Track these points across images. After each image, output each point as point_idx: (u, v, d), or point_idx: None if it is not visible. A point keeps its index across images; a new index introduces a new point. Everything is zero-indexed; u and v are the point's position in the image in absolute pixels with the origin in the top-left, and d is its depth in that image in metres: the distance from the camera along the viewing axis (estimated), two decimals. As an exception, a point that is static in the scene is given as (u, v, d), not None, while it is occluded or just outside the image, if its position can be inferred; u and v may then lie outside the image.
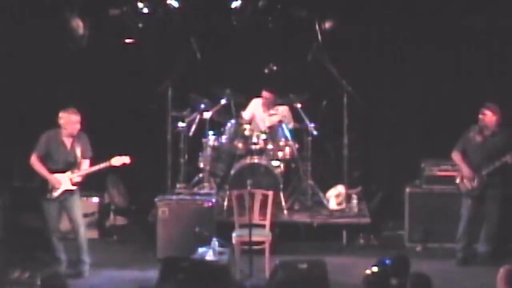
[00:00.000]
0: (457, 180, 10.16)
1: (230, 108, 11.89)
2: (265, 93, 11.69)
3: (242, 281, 9.36)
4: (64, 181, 9.58)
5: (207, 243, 9.73)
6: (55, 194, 9.58)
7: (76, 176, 9.61)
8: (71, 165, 9.62)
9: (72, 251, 9.78)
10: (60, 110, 10.94)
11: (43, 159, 9.62)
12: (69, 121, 9.56)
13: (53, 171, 9.58)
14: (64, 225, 9.98)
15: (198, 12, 11.83)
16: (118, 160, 9.68)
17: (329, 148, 12.11)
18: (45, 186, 9.59)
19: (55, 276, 7.10)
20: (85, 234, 9.81)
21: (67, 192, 9.61)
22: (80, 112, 9.67)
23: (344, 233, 10.94)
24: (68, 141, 9.62)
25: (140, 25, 11.76)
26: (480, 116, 9.96)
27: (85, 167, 9.70)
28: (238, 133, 11.39)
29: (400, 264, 7.21)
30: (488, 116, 9.93)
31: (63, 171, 9.59)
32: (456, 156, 10.16)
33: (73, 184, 9.62)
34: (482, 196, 10.02)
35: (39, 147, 9.65)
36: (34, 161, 9.62)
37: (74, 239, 9.75)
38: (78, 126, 9.59)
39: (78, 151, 9.62)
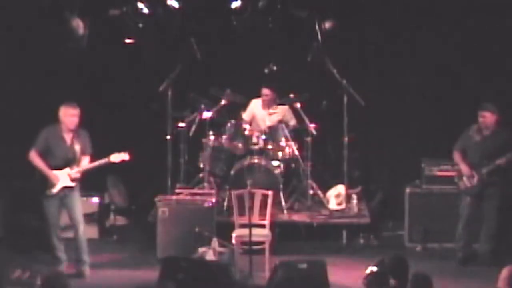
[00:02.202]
0: (456, 179, 10.16)
1: (230, 108, 11.89)
2: (265, 90, 11.70)
3: (242, 281, 9.35)
4: (62, 178, 9.57)
5: (207, 243, 9.74)
6: (54, 190, 9.57)
7: (75, 172, 9.61)
8: (71, 161, 9.61)
9: (72, 250, 9.77)
10: (59, 109, 10.95)
11: (43, 155, 9.61)
12: (67, 114, 9.56)
13: (52, 167, 9.57)
14: (63, 220, 9.95)
15: (198, 12, 11.83)
16: (117, 157, 9.69)
17: (329, 148, 12.11)
18: (44, 183, 9.58)
19: (56, 276, 7.08)
20: (85, 233, 9.81)
21: (67, 188, 9.61)
22: (80, 112, 9.66)
23: (344, 233, 10.94)
24: (68, 137, 9.63)
25: (140, 25, 11.76)
26: (480, 119, 9.97)
27: (85, 163, 9.70)
28: (238, 133, 11.39)
29: (398, 265, 7.21)
30: (488, 118, 9.95)
31: (62, 167, 9.59)
32: (456, 155, 10.18)
33: (72, 180, 9.62)
34: (481, 195, 10.03)
35: (39, 143, 9.64)
36: (33, 156, 9.62)
37: (74, 239, 9.74)
38: (75, 120, 9.58)
39: (78, 148, 9.63)
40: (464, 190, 10.10)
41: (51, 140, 9.63)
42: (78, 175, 9.66)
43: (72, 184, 9.64)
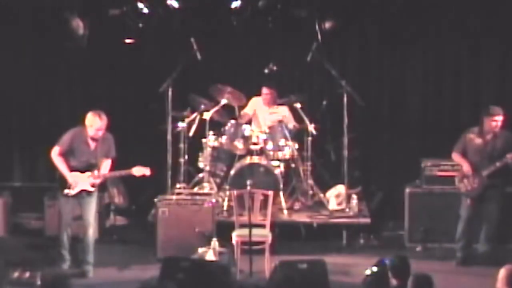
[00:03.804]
0: (457, 181, 10.16)
1: (230, 108, 11.89)
2: (265, 90, 11.71)
3: (242, 281, 9.35)
4: (82, 181, 9.54)
5: (207, 243, 9.74)
6: (72, 192, 9.55)
7: (96, 178, 9.58)
8: (92, 166, 9.58)
9: (77, 250, 9.77)
10: (59, 110, 10.97)
11: (65, 156, 9.57)
12: (92, 123, 9.49)
13: (73, 169, 9.54)
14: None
15: (198, 12, 11.83)
16: (139, 171, 9.66)
17: (329, 148, 12.11)
18: (63, 181, 9.54)
19: (57, 276, 7.08)
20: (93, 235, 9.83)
21: (85, 192, 9.59)
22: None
23: (344, 233, 10.93)
24: (92, 142, 9.58)
25: (140, 25, 11.75)
26: (493, 123, 9.87)
27: (107, 166, 9.67)
28: (238, 133, 11.40)
29: (400, 264, 7.21)
30: (500, 121, 9.90)
31: (83, 171, 9.55)
32: (456, 156, 10.17)
33: (92, 186, 9.60)
34: (482, 196, 10.02)
35: (63, 143, 9.56)
36: (55, 155, 9.54)
37: (81, 239, 9.73)
38: (100, 133, 9.51)
39: (101, 153, 9.61)
40: (465, 193, 10.09)
41: (76, 143, 9.56)
42: (98, 181, 9.65)
43: (92, 189, 9.62)
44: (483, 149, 9.98)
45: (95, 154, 9.59)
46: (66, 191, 9.52)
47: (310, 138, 11.48)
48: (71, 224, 9.72)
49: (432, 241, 10.72)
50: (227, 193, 10.96)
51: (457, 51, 11.92)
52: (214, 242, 9.69)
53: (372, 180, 12.25)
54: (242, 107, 11.93)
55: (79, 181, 9.52)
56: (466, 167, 10.01)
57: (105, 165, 9.67)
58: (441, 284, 7.75)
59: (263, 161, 11.20)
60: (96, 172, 9.58)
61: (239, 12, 11.73)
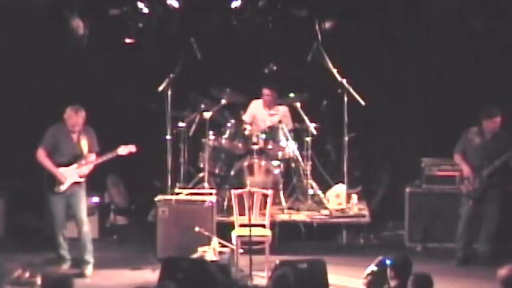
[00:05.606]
0: (458, 180, 10.15)
1: (230, 108, 11.89)
2: (265, 91, 11.71)
3: (242, 281, 9.35)
4: (70, 174, 9.55)
5: (207, 243, 9.74)
6: (62, 188, 9.55)
7: (83, 167, 9.60)
8: (78, 158, 9.61)
9: (75, 250, 9.77)
10: (59, 110, 10.91)
11: (50, 153, 9.58)
12: (69, 117, 9.56)
13: (59, 164, 9.55)
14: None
15: (198, 12, 11.83)
16: (124, 149, 9.70)
17: (329, 148, 12.11)
18: (52, 180, 9.55)
19: (58, 276, 7.06)
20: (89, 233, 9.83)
21: (75, 185, 9.58)
22: (85, 114, 9.67)
23: (344, 233, 10.94)
24: (74, 134, 9.61)
25: (140, 25, 11.75)
26: (492, 124, 9.90)
27: (92, 160, 9.69)
28: (238, 133, 11.40)
29: (401, 264, 7.21)
30: (499, 122, 9.91)
31: (70, 164, 9.57)
32: (457, 157, 10.17)
33: (80, 176, 9.61)
34: (483, 196, 10.02)
35: (46, 141, 9.61)
36: (41, 155, 9.58)
37: (77, 239, 9.73)
38: (77, 128, 9.58)
39: (85, 144, 9.62)
40: (466, 194, 10.09)
41: (58, 137, 9.62)
42: (86, 171, 9.66)
43: (81, 180, 9.63)
44: (483, 149, 9.98)
45: (79, 146, 9.62)
46: (56, 188, 9.53)
47: (310, 138, 11.48)
48: (65, 224, 9.72)
49: (432, 241, 10.72)
50: (227, 193, 10.95)
51: (457, 51, 11.91)
52: (214, 242, 9.68)
53: (372, 180, 12.24)
54: (243, 106, 11.93)
55: (68, 175, 9.54)
56: (466, 171, 10.01)
57: (90, 160, 9.68)
58: (441, 284, 7.76)
59: (263, 161, 11.20)
60: (83, 161, 9.59)
61: (239, 12, 11.73)
